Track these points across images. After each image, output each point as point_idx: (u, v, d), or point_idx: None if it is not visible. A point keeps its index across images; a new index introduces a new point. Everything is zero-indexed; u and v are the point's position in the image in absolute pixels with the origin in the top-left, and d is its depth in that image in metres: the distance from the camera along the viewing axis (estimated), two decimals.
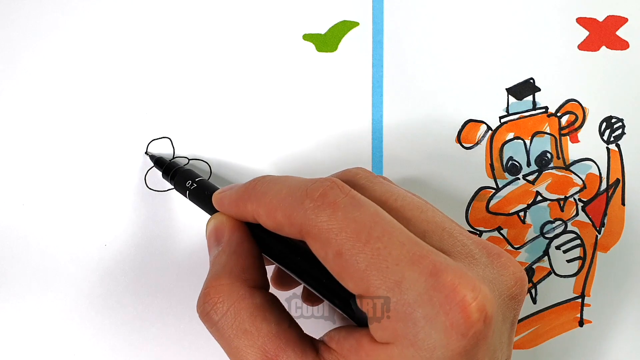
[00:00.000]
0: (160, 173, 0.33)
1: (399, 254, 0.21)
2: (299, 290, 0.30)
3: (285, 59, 0.34)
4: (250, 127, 0.34)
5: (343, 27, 0.35)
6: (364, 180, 0.26)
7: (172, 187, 0.32)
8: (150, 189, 0.34)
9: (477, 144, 0.35)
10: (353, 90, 0.34)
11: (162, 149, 0.34)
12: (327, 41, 0.34)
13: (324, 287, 0.24)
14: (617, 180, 0.35)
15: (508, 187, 0.35)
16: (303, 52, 0.34)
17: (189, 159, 0.34)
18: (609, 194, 0.35)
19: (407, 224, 0.23)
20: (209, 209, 0.28)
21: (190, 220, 0.34)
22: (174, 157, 0.34)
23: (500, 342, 0.22)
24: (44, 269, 0.33)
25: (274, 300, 0.25)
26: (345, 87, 0.34)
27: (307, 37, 0.34)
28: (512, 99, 0.35)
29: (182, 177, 0.31)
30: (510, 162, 0.35)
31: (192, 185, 0.30)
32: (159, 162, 0.33)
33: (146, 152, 0.34)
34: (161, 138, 0.34)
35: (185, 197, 0.31)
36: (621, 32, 0.35)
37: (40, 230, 0.33)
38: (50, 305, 0.33)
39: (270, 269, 0.30)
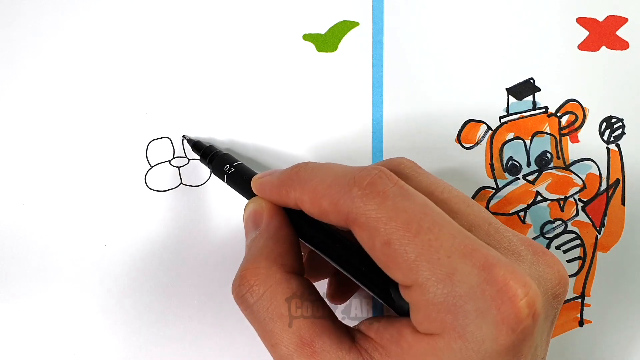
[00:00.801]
0: (157, 173, 0.33)
1: (450, 246, 0.21)
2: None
3: (285, 59, 0.34)
4: (250, 128, 0.34)
5: (343, 27, 0.35)
6: (409, 170, 0.26)
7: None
8: (150, 189, 0.34)
9: (477, 144, 0.35)
10: (353, 90, 0.34)
11: (163, 149, 0.34)
12: (327, 41, 0.34)
13: (363, 275, 0.24)
14: (617, 180, 0.35)
15: (508, 187, 0.35)
16: (303, 52, 0.34)
17: (188, 159, 0.34)
18: (609, 194, 0.35)
19: (454, 217, 0.23)
20: (247, 193, 0.28)
21: (190, 220, 0.34)
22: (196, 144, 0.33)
23: (541, 339, 0.22)
24: (44, 269, 0.33)
25: (310, 286, 0.25)
26: (345, 87, 0.34)
27: (307, 37, 0.34)
28: (512, 99, 0.35)
29: (220, 161, 0.31)
30: (510, 162, 0.35)
31: (230, 169, 0.30)
32: (196, 145, 0.33)
33: (183, 136, 0.34)
34: (161, 138, 0.34)
35: (223, 181, 0.31)
36: (621, 32, 0.35)
37: (40, 230, 0.33)
38: (50, 306, 0.33)
39: None
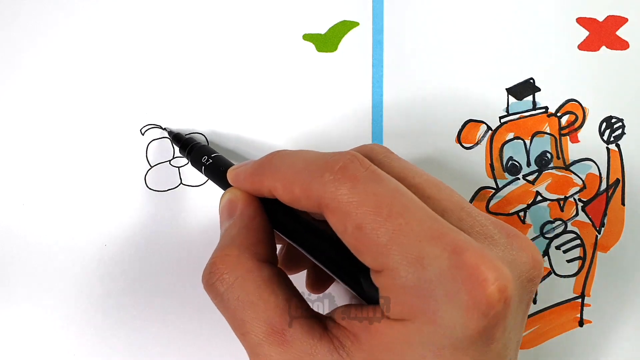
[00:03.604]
0: (157, 173, 0.33)
1: (420, 230, 0.21)
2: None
3: (285, 59, 0.34)
4: (250, 128, 0.34)
5: (343, 27, 0.35)
6: (382, 155, 0.26)
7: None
8: (150, 189, 0.34)
9: (477, 144, 0.35)
10: (353, 90, 0.34)
11: (163, 149, 0.34)
12: (327, 41, 0.34)
13: (333, 264, 0.24)
14: (617, 180, 0.35)
15: (508, 187, 0.35)
16: (303, 52, 0.34)
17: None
18: (609, 194, 0.35)
19: (427, 202, 0.23)
20: (224, 184, 0.28)
21: (190, 220, 0.34)
22: (190, 133, 0.34)
23: (514, 323, 0.22)
24: (44, 269, 0.33)
25: (282, 274, 0.25)
26: (345, 87, 0.34)
27: (307, 37, 0.34)
28: (512, 99, 0.35)
29: (199, 152, 0.31)
30: (510, 162, 0.35)
31: (207, 160, 0.30)
32: (177, 137, 0.33)
33: (164, 128, 0.34)
34: (161, 138, 0.34)
35: (201, 172, 0.31)
36: (621, 32, 0.35)
37: (40, 230, 0.33)
38: (50, 306, 0.33)
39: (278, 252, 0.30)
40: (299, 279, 0.31)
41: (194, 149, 0.31)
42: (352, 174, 0.22)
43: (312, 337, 0.22)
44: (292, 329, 0.23)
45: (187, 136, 0.33)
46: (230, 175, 0.27)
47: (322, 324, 0.23)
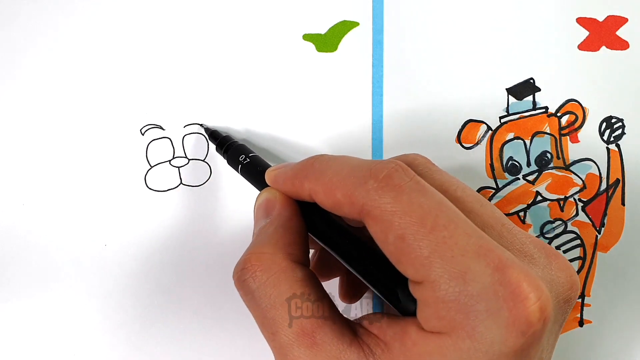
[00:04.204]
0: (157, 173, 0.33)
1: (465, 244, 0.21)
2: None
3: (285, 59, 0.34)
4: (250, 128, 0.34)
5: (343, 27, 0.35)
6: (423, 166, 0.26)
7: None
8: (150, 189, 0.34)
9: (477, 144, 0.35)
10: (353, 90, 0.34)
11: (163, 149, 0.34)
12: (327, 41, 0.34)
13: (369, 273, 0.24)
14: (617, 180, 0.35)
15: (508, 187, 0.35)
16: (303, 52, 0.34)
17: (188, 159, 0.34)
18: (609, 194, 0.35)
19: (468, 216, 0.22)
20: (260, 184, 0.29)
21: (190, 220, 0.34)
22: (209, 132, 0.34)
23: (548, 343, 0.22)
24: (44, 269, 0.33)
25: (314, 277, 0.25)
26: (345, 87, 0.34)
27: (307, 37, 0.34)
28: (512, 99, 0.35)
29: (236, 151, 0.31)
30: (510, 162, 0.35)
31: (245, 160, 0.30)
32: (213, 135, 0.33)
33: (201, 125, 0.34)
34: (161, 138, 0.34)
35: (237, 171, 0.31)
36: (621, 32, 0.35)
37: (40, 230, 0.33)
38: (50, 305, 0.33)
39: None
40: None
41: (231, 148, 0.31)
42: (397, 183, 0.22)
43: (342, 342, 0.22)
44: (323, 332, 0.23)
45: (224, 134, 0.33)
46: (269, 176, 0.27)
47: (352, 329, 0.23)
